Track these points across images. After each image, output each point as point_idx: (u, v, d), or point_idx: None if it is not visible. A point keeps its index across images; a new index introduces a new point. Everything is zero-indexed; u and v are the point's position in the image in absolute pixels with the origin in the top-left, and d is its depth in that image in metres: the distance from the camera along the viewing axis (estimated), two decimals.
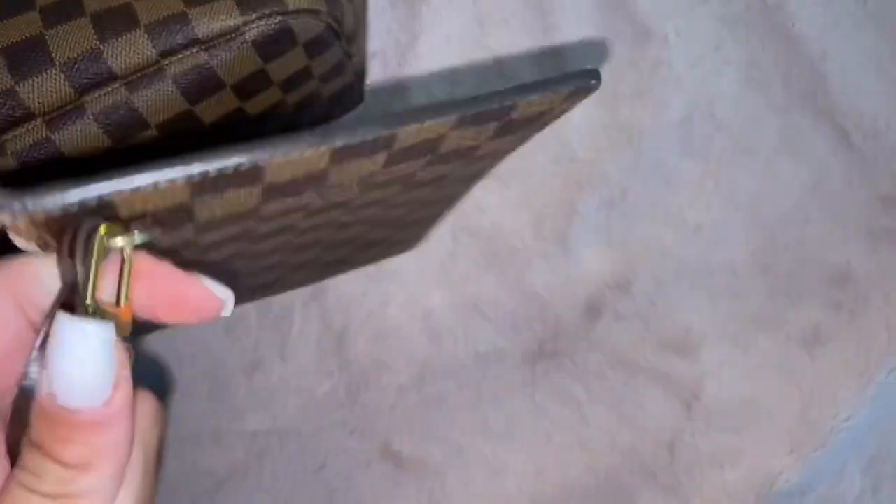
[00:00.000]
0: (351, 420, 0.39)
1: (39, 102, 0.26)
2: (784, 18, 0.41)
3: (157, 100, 0.27)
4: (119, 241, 0.17)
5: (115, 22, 0.26)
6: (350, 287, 0.39)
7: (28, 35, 0.26)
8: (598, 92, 0.40)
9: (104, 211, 0.16)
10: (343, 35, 0.30)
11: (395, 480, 0.38)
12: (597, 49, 0.41)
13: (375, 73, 0.40)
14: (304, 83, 0.31)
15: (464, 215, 0.40)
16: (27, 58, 0.25)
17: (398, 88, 0.41)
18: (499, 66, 0.41)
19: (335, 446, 0.38)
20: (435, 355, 0.39)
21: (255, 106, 0.30)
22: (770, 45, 0.41)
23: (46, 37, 0.26)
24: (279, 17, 0.26)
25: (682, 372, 0.39)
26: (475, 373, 0.39)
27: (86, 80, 0.26)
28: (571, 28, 0.41)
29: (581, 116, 0.40)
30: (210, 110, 0.28)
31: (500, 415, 0.38)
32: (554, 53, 0.41)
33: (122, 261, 0.18)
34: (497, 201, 0.40)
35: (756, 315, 0.39)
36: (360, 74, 0.35)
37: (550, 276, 0.39)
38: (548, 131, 0.40)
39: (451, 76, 0.41)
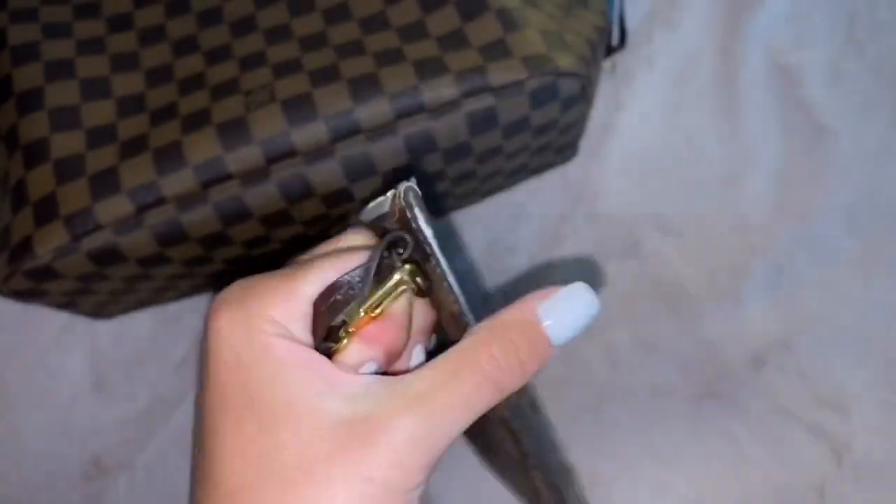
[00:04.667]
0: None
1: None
2: None
3: (450, 127, 0.35)
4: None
5: (365, 82, 0.34)
6: None
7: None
8: (775, 172, 0.46)
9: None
10: (587, 97, 0.37)
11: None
12: (774, 137, 0.47)
13: (582, 139, 0.48)
14: (549, 131, 0.38)
15: (648, 265, 0.46)
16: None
17: (597, 153, 0.48)
18: (688, 141, 0.48)
19: None
20: (613, 381, 0.44)
21: (511, 145, 0.38)
22: None
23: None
24: (554, 76, 0.34)
25: (835, 426, 0.43)
26: (647, 402, 0.44)
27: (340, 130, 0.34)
28: (755, 116, 0.47)
29: (758, 191, 0.46)
30: (483, 143, 0.36)
31: (667, 442, 0.43)
32: (738, 135, 0.47)
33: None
34: (678, 256, 0.46)
35: None
36: (582, 132, 0.43)
37: (722, 326, 0.45)
38: (726, 199, 0.46)
39: (643, 148, 0.48)
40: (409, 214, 0.25)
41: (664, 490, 0.43)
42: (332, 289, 0.25)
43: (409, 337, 0.26)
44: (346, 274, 0.25)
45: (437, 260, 0.25)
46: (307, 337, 0.24)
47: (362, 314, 0.25)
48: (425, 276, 0.26)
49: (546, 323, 0.24)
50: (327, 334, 0.24)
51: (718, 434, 0.43)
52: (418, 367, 0.23)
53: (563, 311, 0.24)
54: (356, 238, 0.27)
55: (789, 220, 0.46)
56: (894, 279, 0.45)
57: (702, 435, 0.43)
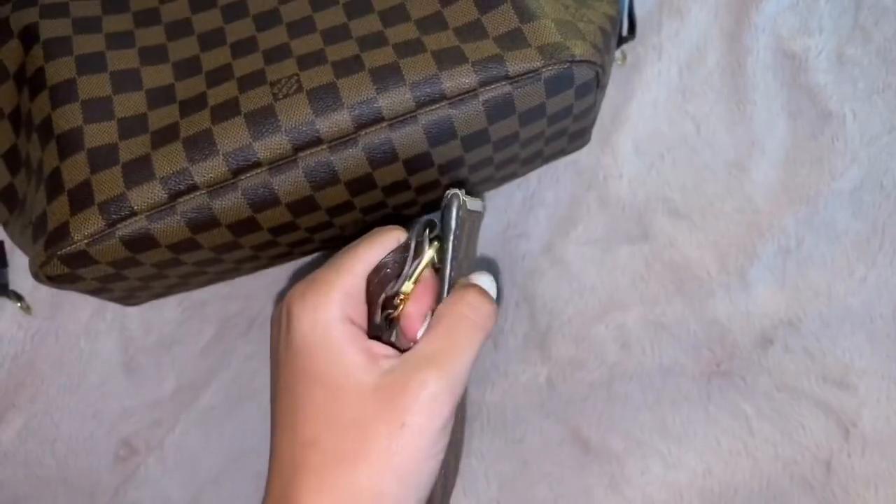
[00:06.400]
0: (547, 405, 0.46)
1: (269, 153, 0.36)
2: None
3: (468, 115, 0.36)
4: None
5: (387, 72, 0.36)
6: (556, 296, 0.47)
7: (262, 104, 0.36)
8: (782, 156, 0.47)
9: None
10: (601, 85, 0.39)
11: (581, 461, 0.45)
12: (781, 122, 0.49)
13: (595, 124, 0.49)
14: (563, 119, 0.40)
15: (658, 248, 0.47)
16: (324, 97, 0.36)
17: (609, 140, 0.49)
18: (696, 128, 0.49)
19: (532, 426, 0.45)
20: (624, 361, 0.46)
21: (526, 132, 0.39)
22: None
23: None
24: (568, 64, 0.36)
25: (842, 401, 0.44)
26: (658, 380, 0.45)
27: (364, 118, 0.36)
28: (762, 102, 0.48)
29: (765, 175, 0.47)
30: (500, 130, 0.37)
31: (677, 419, 0.45)
32: (745, 121, 0.48)
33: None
34: (687, 239, 0.47)
35: None
36: (594, 120, 0.44)
37: (730, 307, 0.46)
38: (733, 184, 0.47)
39: (653, 135, 0.49)
40: (448, 218, 0.34)
41: (675, 465, 0.44)
42: (379, 267, 0.34)
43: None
44: (389, 254, 0.34)
45: (448, 247, 0.34)
46: (362, 308, 0.33)
47: (412, 285, 0.33)
48: (441, 255, 0.34)
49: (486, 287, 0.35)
50: (384, 303, 0.33)
51: (727, 411, 0.45)
52: (424, 334, 0.32)
53: (486, 285, 0.35)
54: (388, 227, 0.36)
55: (796, 203, 0.47)
56: None
57: (711, 412, 0.45)
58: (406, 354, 0.31)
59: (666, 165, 0.48)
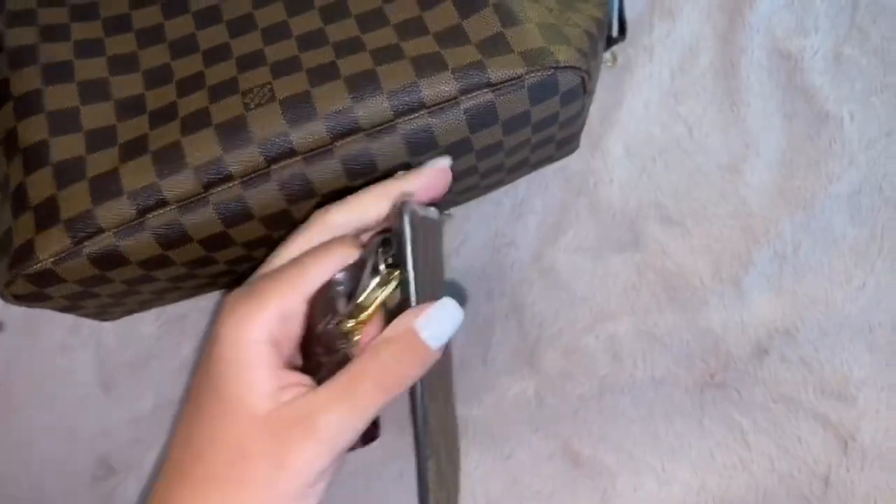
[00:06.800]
0: (537, 419, 0.44)
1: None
2: None
3: (449, 124, 0.35)
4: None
5: (364, 80, 0.34)
6: (545, 306, 0.46)
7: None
8: (777, 159, 0.46)
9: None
10: (587, 91, 0.37)
11: (572, 476, 0.43)
12: (776, 125, 0.47)
13: (585, 128, 0.47)
14: (549, 126, 0.38)
15: (650, 255, 0.46)
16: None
17: (599, 144, 0.48)
18: (689, 130, 0.47)
19: (521, 441, 0.44)
20: (615, 373, 0.45)
21: (511, 140, 0.37)
22: None
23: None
24: (553, 70, 0.34)
25: (840, 413, 0.43)
26: (650, 393, 0.44)
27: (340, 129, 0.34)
28: (757, 103, 0.47)
29: (760, 179, 0.46)
30: (483, 139, 0.36)
31: (670, 432, 0.43)
32: (739, 124, 0.47)
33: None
34: (680, 246, 0.46)
35: None
36: (582, 126, 0.43)
37: (724, 316, 0.45)
38: (727, 188, 0.46)
39: (644, 139, 0.48)
40: (401, 230, 0.31)
41: (669, 480, 0.43)
42: (328, 285, 0.31)
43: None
44: (341, 271, 0.31)
45: (407, 268, 0.31)
46: (295, 330, 0.31)
47: (369, 307, 0.31)
48: (400, 276, 0.31)
49: (424, 334, 0.30)
50: (338, 322, 0.31)
51: (721, 424, 0.43)
52: (332, 379, 0.30)
53: (437, 322, 0.30)
54: (341, 239, 0.33)
55: (792, 208, 0.46)
56: None
57: (705, 425, 0.43)
58: (309, 394, 0.29)
59: (658, 170, 0.47)
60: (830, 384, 0.43)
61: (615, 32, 0.46)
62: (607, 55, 0.48)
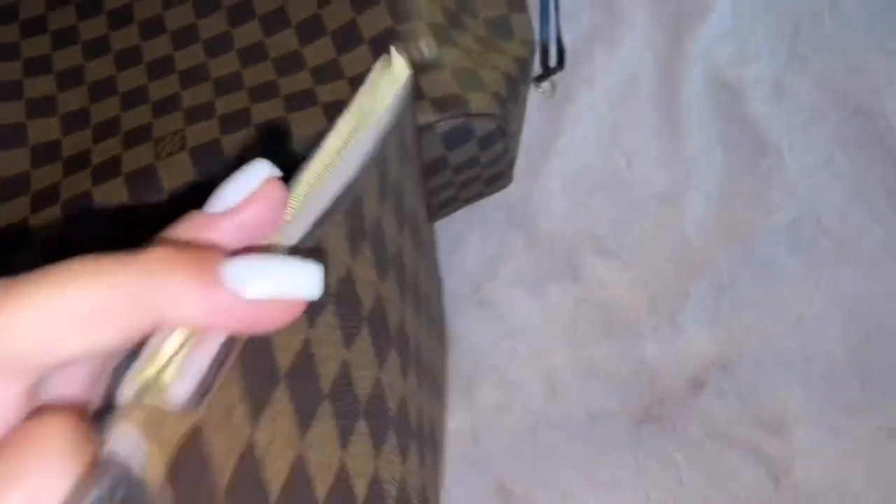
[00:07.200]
0: (472, 455, 0.44)
1: None
2: (893, 141, 0.45)
3: None
4: None
5: (276, 132, 0.34)
6: (480, 339, 0.45)
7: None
8: (717, 190, 0.45)
9: None
10: (507, 134, 0.37)
11: None
12: (716, 155, 0.47)
13: (520, 161, 0.47)
14: (470, 168, 0.38)
15: (587, 288, 0.45)
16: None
17: (537, 175, 0.48)
18: (628, 162, 0.47)
19: (457, 476, 0.44)
20: (550, 408, 0.44)
21: (432, 182, 0.37)
22: (878, 164, 0.45)
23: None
24: (464, 118, 0.34)
25: (775, 450, 0.43)
26: (585, 428, 0.44)
27: None
28: (697, 134, 0.47)
29: (699, 211, 0.46)
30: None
31: (605, 468, 0.43)
32: (679, 153, 0.47)
33: None
34: (617, 279, 0.46)
35: (848, 405, 0.42)
36: (512, 163, 0.42)
37: (660, 350, 0.44)
38: (666, 220, 0.45)
39: (583, 169, 0.47)
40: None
41: None
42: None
43: None
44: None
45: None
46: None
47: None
48: None
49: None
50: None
51: (656, 460, 0.43)
52: None
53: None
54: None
55: (731, 240, 0.45)
56: (837, 298, 0.44)
57: (640, 461, 0.43)
58: None
59: (596, 202, 0.47)
60: (765, 419, 0.43)
61: (553, 62, 0.45)
62: (546, 85, 0.47)
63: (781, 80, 0.47)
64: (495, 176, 0.42)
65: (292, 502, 0.17)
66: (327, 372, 0.18)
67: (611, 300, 0.45)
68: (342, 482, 0.19)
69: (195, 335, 0.15)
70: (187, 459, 0.14)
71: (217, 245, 0.16)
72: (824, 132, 0.46)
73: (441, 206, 0.42)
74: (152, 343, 0.14)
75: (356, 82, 0.35)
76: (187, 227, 0.16)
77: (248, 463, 0.15)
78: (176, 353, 0.14)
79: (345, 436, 0.19)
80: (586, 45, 0.48)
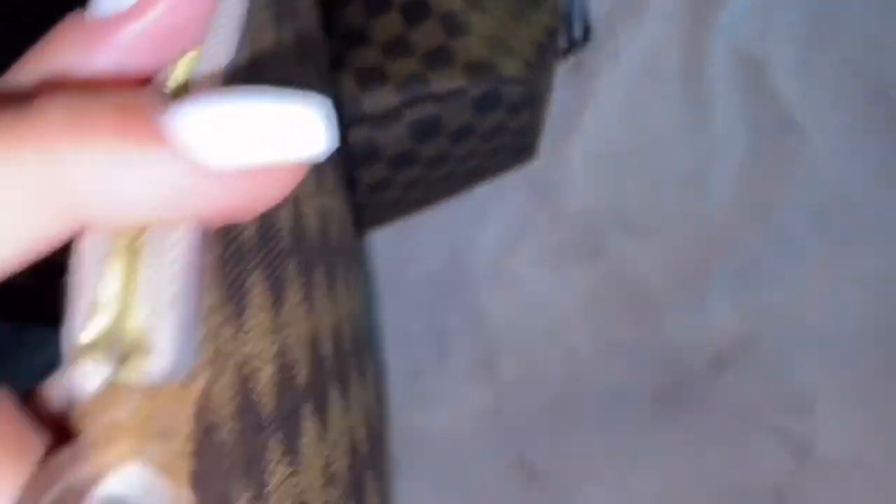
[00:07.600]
0: (492, 429, 0.44)
1: None
2: None
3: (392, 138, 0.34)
4: None
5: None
6: (504, 315, 0.45)
7: None
8: (741, 168, 0.45)
9: None
10: (535, 102, 0.37)
11: (527, 487, 0.43)
12: (741, 131, 0.47)
13: (544, 137, 0.47)
14: (498, 136, 0.38)
15: (610, 265, 0.45)
16: None
17: (561, 151, 0.47)
18: (652, 138, 0.47)
19: (476, 452, 0.44)
20: (572, 384, 0.44)
21: (458, 150, 0.37)
22: None
23: None
24: (496, 83, 0.34)
25: (796, 427, 0.42)
26: (606, 405, 0.44)
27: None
28: (722, 111, 0.46)
29: (723, 189, 0.45)
30: (430, 150, 0.36)
31: (627, 443, 0.43)
32: (703, 131, 0.46)
33: None
34: (641, 257, 0.45)
35: (871, 383, 0.42)
36: (538, 134, 0.42)
37: (684, 328, 0.44)
38: (690, 198, 0.45)
39: (607, 146, 0.47)
40: None
41: (623, 491, 0.43)
42: None
43: None
44: None
45: None
46: None
47: None
48: None
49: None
50: None
51: (678, 435, 0.43)
52: None
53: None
54: None
55: (755, 218, 0.45)
56: (860, 277, 0.44)
57: (662, 437, 0.43)
58: None
59: (621, 178, 0.46)
60: (787, 397, 0.43)
61: (579, 35, 0.45)
62: (570, 60, 0.47)
63: (805, 58, 0.47)
64: (523, 147, 0.41)
65: (281, 405, 0.13)
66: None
67: (633, 278, 0.45)
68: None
69: (141, 241, 0.10)
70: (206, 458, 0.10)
71: (124, 72, 0.10)
72: (849, 111, 0.46)
73: (465, 178, 0.42)
74: (84, 278, 0.09)
75: (385, 48, 0.35)
76: (65, 48, 0.10)
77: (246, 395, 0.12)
78: (129, 283, 0.10)
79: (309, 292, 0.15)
80: (611, 21, 0.48)
